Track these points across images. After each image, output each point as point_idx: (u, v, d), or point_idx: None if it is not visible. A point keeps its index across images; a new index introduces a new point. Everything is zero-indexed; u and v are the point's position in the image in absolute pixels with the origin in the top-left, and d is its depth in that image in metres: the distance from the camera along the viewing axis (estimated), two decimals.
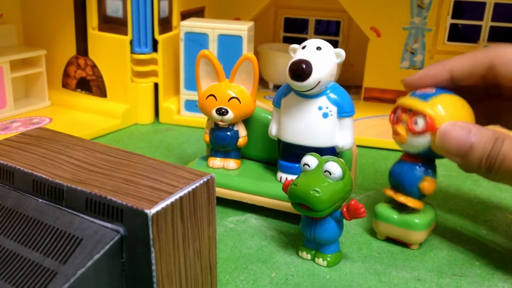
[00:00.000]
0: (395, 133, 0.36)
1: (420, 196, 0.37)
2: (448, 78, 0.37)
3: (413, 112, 0.35)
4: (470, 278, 0.35)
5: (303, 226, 0.36)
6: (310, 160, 0.35)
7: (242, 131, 0.43)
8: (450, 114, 0.35)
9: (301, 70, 0.36)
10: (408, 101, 0.36)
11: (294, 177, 0.41)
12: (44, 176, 0.26)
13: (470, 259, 0.37)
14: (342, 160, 0.34)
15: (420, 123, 0.35)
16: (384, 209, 0.38)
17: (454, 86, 0.37)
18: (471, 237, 0.40)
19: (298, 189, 0.34)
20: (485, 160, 0.33)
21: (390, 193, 0.38)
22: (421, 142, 0.35)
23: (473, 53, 0.36)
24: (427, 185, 0.36)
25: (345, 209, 0.34)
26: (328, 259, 0.35)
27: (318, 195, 0.33)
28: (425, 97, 0.36)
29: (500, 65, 0.35)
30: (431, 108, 0.35)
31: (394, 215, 0.38)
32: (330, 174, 0.33)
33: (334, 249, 0.36)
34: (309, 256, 0.36)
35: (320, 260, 0.36)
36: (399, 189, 0.37)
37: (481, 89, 0.38)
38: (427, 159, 0.37)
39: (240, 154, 0.45)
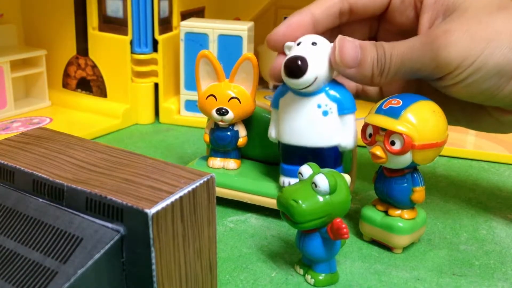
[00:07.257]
0: (374, 157, 0.35)
1: (412, 204, 0.37)
2: (311, 25, 0.39)
3: (387, 132, 0.34)
4: (469, 278, 0.35)
5: (296, 237, 0.34)
6: (304, 169, 0.33)
7: (242, 131, 0.43)
8: (424, 125, 0.34)
9: (296, 67, 0.35)
10: (378, 119, 0.35)
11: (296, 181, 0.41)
12: (44, 176, 0.26)
13: (470, 259, 0.37)
14: (344, 176, 0.33)
15: (398, 143, 0.34)
16: (369, 210, 0.38)
17: (321, 30, 0.39)
18: (471, 237, 0.40)
19: (281, 196, 0.32)
20: (376, 63, 0.35)
21: (382, 208, 0.38)
22: (403, 159, 0.34)
23: None
24: (418, 195, 0.36)
25: (329, 228, 0.32)
26: (320, 277, 0.33)
27: (295, 205, 0.31)
28: (394, 113, 0.34)
29: None
30: (404, 126, 0.33)
31: (378, 217, 0.37)
32: (316, 186, 0.31)
33: (325, 269, 0.33)
34: (301, 271, 0.34)
35: (308, 277, 0.34)
36: (389, 202, 0.37)
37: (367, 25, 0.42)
38: (408, 168, 0.36)
39: (240, 154, 0.45)
